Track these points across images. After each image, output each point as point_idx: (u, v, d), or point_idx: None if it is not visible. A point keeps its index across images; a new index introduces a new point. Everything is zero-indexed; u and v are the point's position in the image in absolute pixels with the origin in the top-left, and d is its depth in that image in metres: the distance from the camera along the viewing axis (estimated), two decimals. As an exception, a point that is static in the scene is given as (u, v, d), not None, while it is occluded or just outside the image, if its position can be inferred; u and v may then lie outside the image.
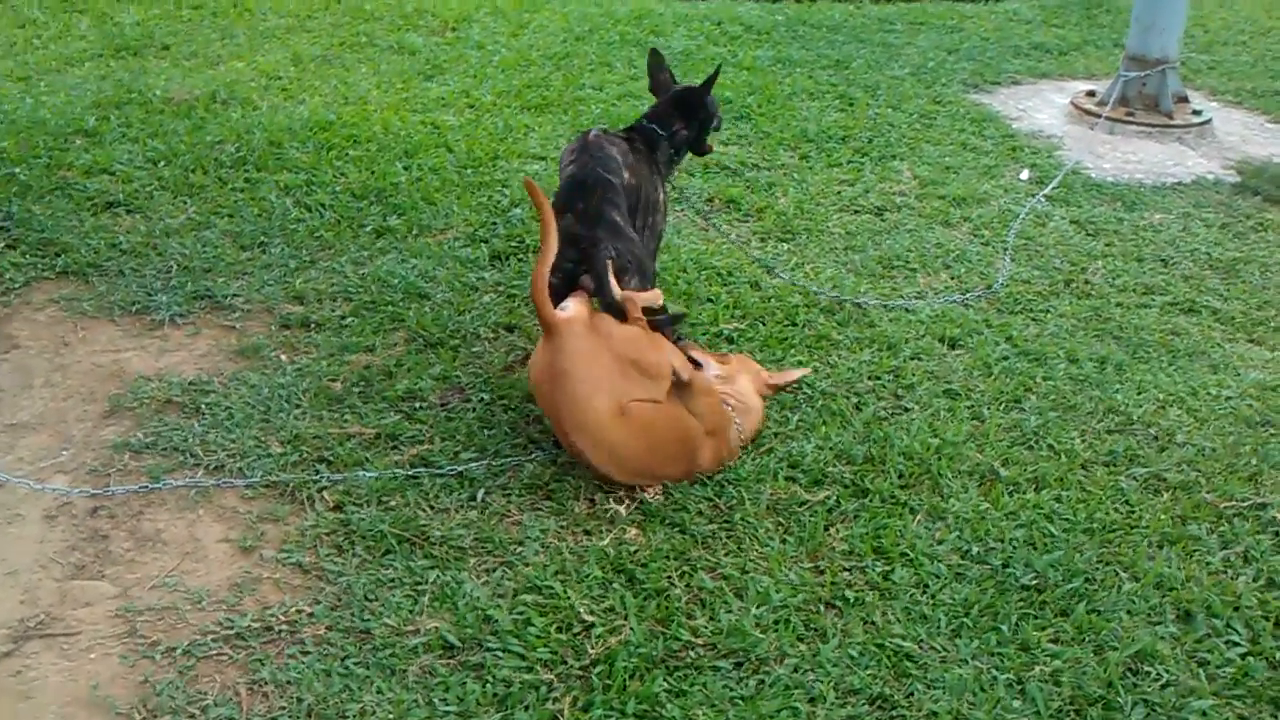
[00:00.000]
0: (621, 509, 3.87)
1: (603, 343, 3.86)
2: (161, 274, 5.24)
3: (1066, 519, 3.91)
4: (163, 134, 6.77)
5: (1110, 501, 4.04)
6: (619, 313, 3.96)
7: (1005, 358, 4.94)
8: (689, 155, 4.88)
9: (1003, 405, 4.60)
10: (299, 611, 3.39)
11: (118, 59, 8.38)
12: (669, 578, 3.56)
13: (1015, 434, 4.41)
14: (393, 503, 3.83)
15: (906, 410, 4.54)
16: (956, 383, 4.74)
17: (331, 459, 4.04)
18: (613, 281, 3.99)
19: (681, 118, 4.68)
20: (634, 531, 3.77)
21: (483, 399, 4.44)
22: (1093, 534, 3.86)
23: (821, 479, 4.06)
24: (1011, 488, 4.07)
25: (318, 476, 3.94)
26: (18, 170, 6.11)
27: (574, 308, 3.93)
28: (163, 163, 6.37)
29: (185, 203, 5.96)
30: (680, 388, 3.97)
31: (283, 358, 4.67)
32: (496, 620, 3.34)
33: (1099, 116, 7.94)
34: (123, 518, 3.77)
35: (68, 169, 6.21)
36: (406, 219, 5.90)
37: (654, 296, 4.14)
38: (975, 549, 3.74)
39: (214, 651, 3.25)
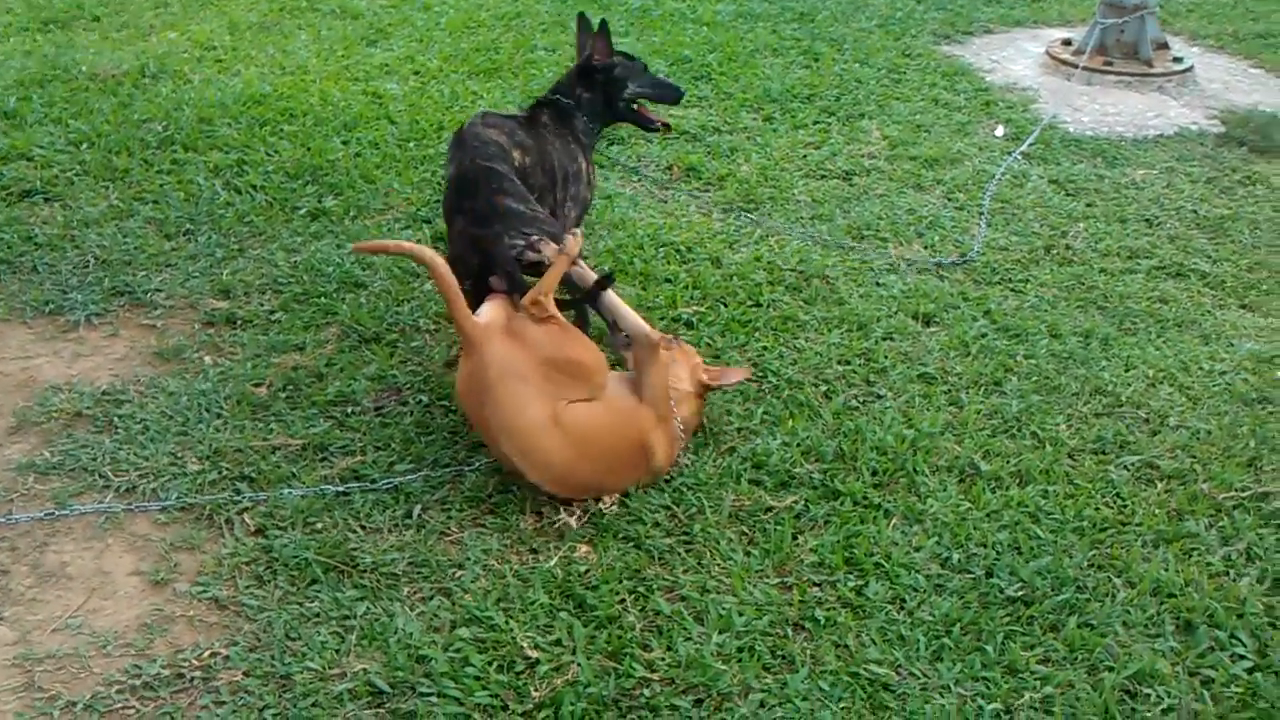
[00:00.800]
0: (573, 521, 3.55)
1: (524, 347, 3.52)
2: (78, 269, 4.86)
3: (1054, 517, 3.62)
4: (87, 113, 6.35)
5: (1100, 495, 3.74)
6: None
7: (983, 335, 4.63)
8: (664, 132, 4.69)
9: (982, 389, 4.29)
10: (214, 655, 3.06)
11: (45, 33, 7.91)
12: (622, 602, 3.25)
13: (996, 421, 4.10)
14: (320, 524, 3.50)
15: (879, 398, 4.23)
16: (932, 365, 4.43)
17: (254, 475, 3.70)
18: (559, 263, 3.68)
19: (584, 85, 4.43)
20: (584, 548, 3.45)
21: (421, 400, 4.10)
22: (1082, 533, 3.56)
23: (788, 481, 3.75)
24: (993, 484, 3.77)
25: (238, 497, 3.60)
26: (-72, 158, 5.71)
27: (490, 313, 3.59)
28: (85, 145, 5.96)
29: (107, 189, 5.56)
30: (647, 348, 3.73)
31: (206, 360, 4.32)
32: (431, 660, 3.02)
33: (1076, 67, 7.60)
34: (25, 550, 3.43)
35: (-18, 155, 5.81)
36: (344, 199, 5.53)
37: (562, 263, 3.72)
38: (956, 556, 3.44)
39: (119, 705, 2.92)
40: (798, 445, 3.91)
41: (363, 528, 3.50)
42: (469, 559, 3.38)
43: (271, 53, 7.58)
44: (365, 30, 8.09)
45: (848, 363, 4.43)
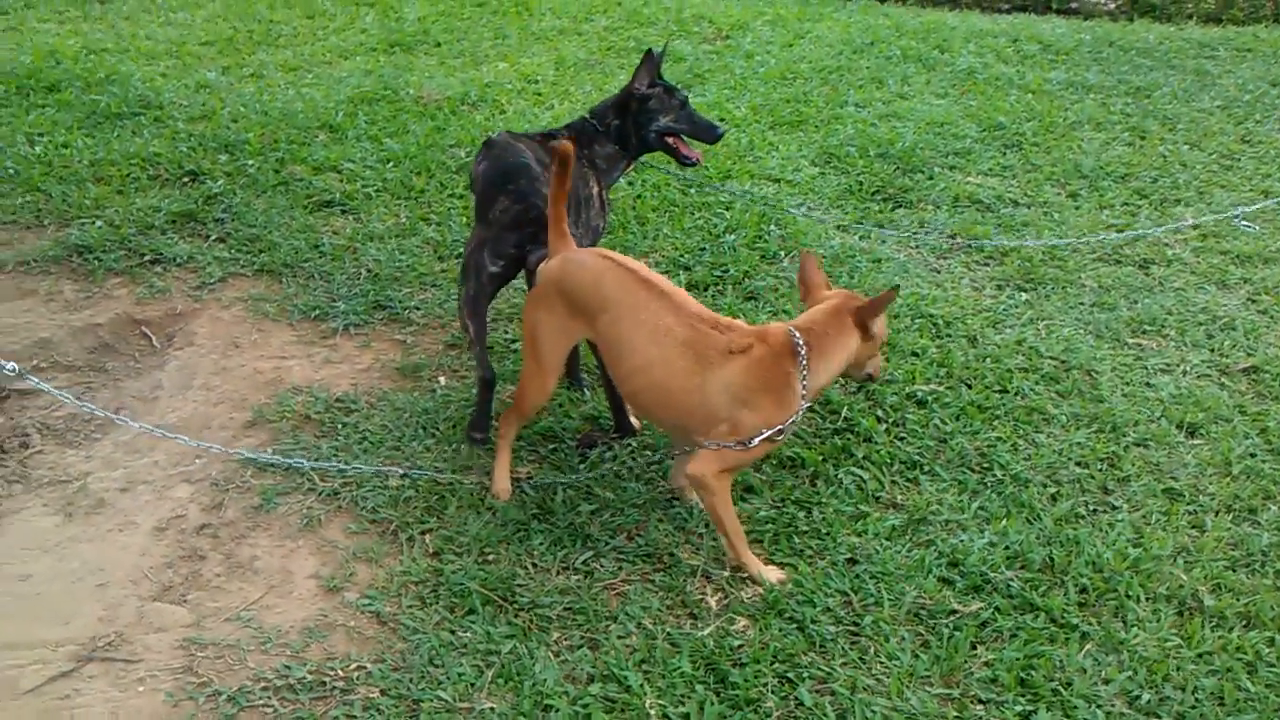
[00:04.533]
0: (743, 595, 3.44)
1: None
2: (351, 279, 5.15)
3: (1275, 670, 3.20)
4: (402, 133, 6.75)
5: (1340, 656, 3.29)
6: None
7: (1252, 454, 4.18)
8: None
9: (1232, 514, 3.87)
10: (359, 668, 3.14)
11: (389, 54, 8.49)
12: (765, 686, 3.10)
13: (1238, 553, 3.68)
14: (494, 555, 3.54)
15: (1112, 509, 3.89)
16: (1183, 480, 4.03)
17: (448, 499, 3.78)
18: None
19: (617, 113, 4.43)
20: (744, 622, 3.33)
21: (629, 445, 4.09)
22: (1306, 695, 3.14)
23: (983, 585, 3.49)
24: (1214, 622, 3.38)
25: (425, 520, 3.69)
26: (251, 163, 6.20)
27: None
28: (391, 164, 6.33)
29: (399, 207, 5.88)
30: None
31: (441, 380, 4.47)
32: (555, 711, 2.98)
33: None
34: (225, 539, 3.64)
35: (299, 164, 6.26)
36: (612, 238, 5.61)
37: None
38: (1147, 696, 3.10)
39: (260, 702, 3.04)
40: (1005, 548, 3.63)
41: (533, 564, 3.52)
42: (626, 614, 3.33)
43: (589, 89, 7.82)
44: (683, 74, 8.22)
45: (1087, 465, 4.09)
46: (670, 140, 4.50)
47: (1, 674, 3.08)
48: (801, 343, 3.38)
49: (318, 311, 4.90)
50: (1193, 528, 3.81)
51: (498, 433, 3.86)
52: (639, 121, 4.43)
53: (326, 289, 5.07)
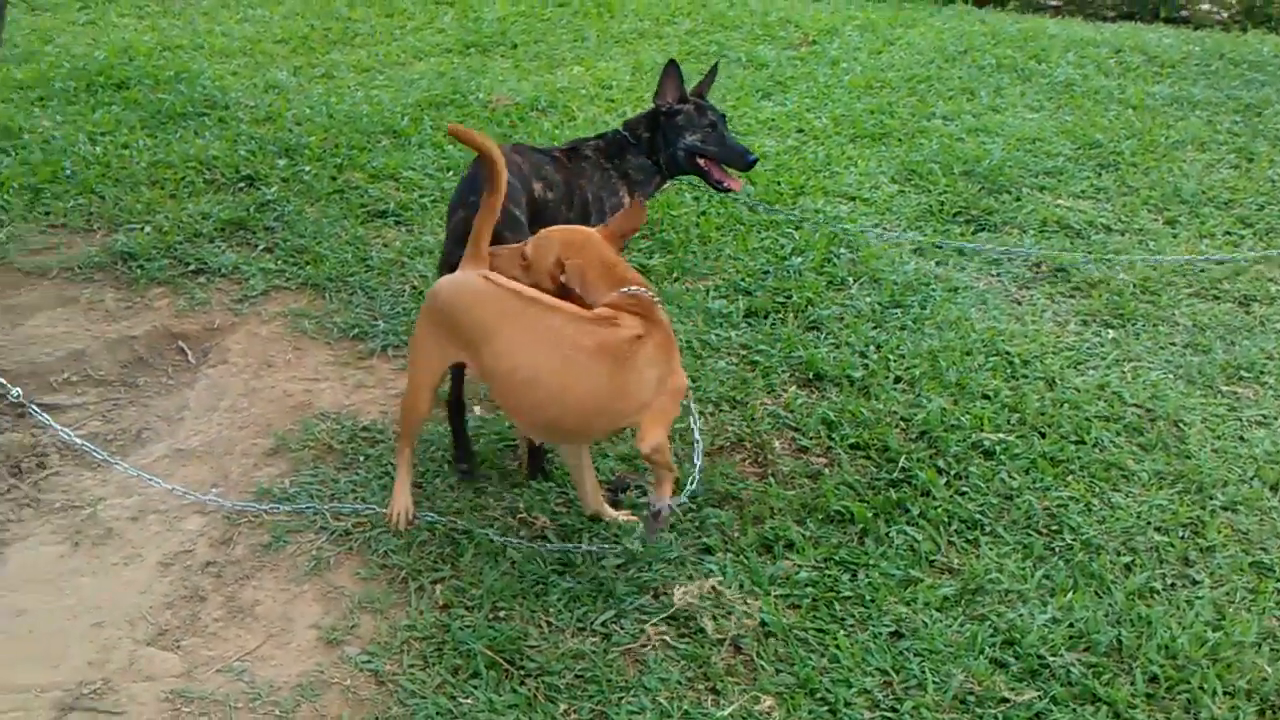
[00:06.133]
0: (770, 668, 3.14)
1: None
2: (395, 296, 4.94)
3: (1370, 790, 2.84)
4: (466, 140, 6.53)
5: None
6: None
7: (1354, 526, 3.79)
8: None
9: (1329, 596, 3.49)
10: (349, 735, 2.92)
11: (464, 55, 8.30)
12: (786, 779, 2.82)
13: (1333, 643, 3.31)
14: (505, 611, 3.29)
15: (1193, 583, 3.52)
16: (1274, 553, 3.65)
17: (463, 543, 3.54)
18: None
19: (648, 126, 4.24)
20: (770, 702, 3.03)
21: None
22: (1405, 821, 2.77)
23: (1040, 669, 3.15)
24: (1303, 726, 3.02)
25: (438, 568, 3.45)
26: (309, 169, 6.03)
27: None
28: (452, 172, 6.12)
29: (454, 218, 5.66)
30: None
31: (475, 410, 4.23)
32: (552, 799, 2.73)
33: None
34: (229, 579, 3.44)
35: (358, 170, 6.08)
36: (673, 258, 5.34)
37: None
38: (1219, 814, 2.76)
39: (241, 769, 2.84)
40: (1068, 625, 3.29)
41: (548, 623, 3.26)
42: (643, 685, 3.06)
43: (664, 96, 7.53)
44: (764, 82, 7.90)
45: (1167, 532, 3.73)
46: (702, 163, 4.24)
47: (-25, 723, 2.92)
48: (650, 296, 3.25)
49: (357, 330, 4.70)
50: (1281, 609, 3.44)
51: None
52: (666, 138, 4.20)
53: (369, 306, 4.87)
